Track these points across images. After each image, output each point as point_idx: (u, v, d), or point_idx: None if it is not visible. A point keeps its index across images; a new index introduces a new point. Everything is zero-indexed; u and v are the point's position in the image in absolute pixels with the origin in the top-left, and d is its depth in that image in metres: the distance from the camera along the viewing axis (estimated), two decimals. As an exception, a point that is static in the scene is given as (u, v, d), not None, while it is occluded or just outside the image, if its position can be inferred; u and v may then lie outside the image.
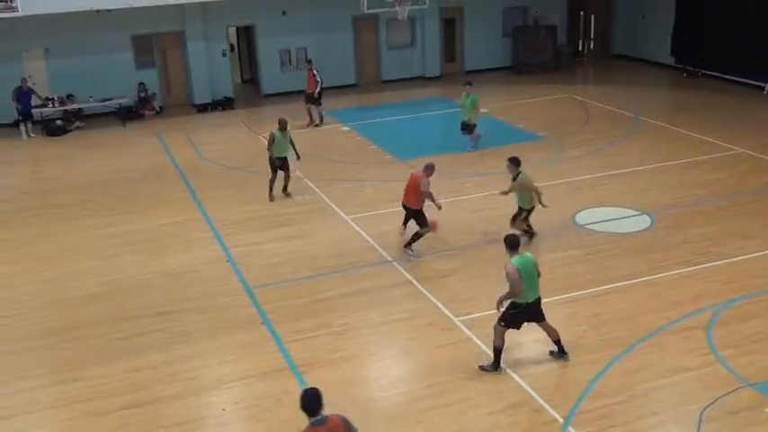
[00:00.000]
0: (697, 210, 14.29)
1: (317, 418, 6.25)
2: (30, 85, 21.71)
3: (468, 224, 14.03)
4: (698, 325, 10.36)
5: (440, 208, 12.70)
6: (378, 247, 13.23)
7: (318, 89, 21.17)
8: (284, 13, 24.53)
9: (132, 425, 8.85)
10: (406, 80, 26.01)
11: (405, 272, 12.27)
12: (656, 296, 11.20)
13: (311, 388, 6.42)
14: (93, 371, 9.91)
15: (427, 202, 12.73)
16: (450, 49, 27.07)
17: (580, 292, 11.40)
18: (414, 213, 12.89)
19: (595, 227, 13.71)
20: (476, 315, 10.79)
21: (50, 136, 21.71)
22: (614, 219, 14.07)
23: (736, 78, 23.35)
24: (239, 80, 27.36)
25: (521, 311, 9.33)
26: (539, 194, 12.77)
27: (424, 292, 11.62)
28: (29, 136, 21.55)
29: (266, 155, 15.75)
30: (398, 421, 8.77)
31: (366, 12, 23.70)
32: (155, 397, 9.34)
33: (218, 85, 24.39)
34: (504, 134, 19.84)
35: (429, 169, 12.79)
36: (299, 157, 15.95)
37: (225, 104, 24.09)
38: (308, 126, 21.05)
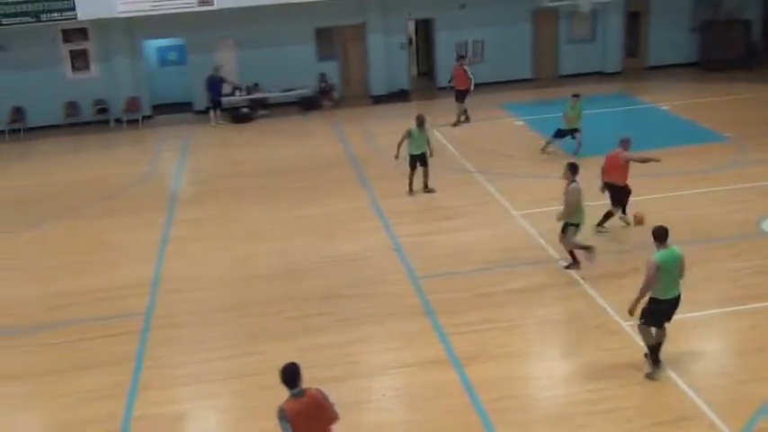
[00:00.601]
0: None
1: (297, 390, 6.69)
2: (221, 74, 23.05)
3: (646, 224, 13.52)
4: None
5: (658, 161, 13.57)
6: (545, 245, 13.04)
7: (471, 86, 20.86)
8: (463, 6, 24.58)
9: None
10: (585, 75, 25.33)
11: (572, 271, 12.01)
12: None
13: (291, 363, 6.77)
14: (266, 347, 10.44)
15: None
16: (633, 43, 26.09)
17: (760, 304, 10.73)
18: (617, 189, 13.21)
19: (785, 235, 12.84)
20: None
21: (236, 123, 22.98)
22: (805, 229, 13.11)
23: None
24: (416, 73, 27.72)
25: (661, 308, 9.03)
26: (569, 213, 11.76)
27: (592, 293, 11.34)
28: (217, 123, 22.91)
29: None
30: (561, 423, 8.62)
31: (547, 4, 23.30)
32: (320, 377, 9.69)
33: (394, 78, 24.85)
34: (687, 133, 18.96)
35: (625, 143, 13.29)
36: (432, 155, 15.90)
37: (401, 96, 24.50)
38: (454, 125, 20.76)
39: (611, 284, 11.50)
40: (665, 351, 9.41)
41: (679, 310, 9.42)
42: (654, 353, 9.26)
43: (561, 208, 11.92)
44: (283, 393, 6.71)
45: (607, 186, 13.40)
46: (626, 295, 11.05)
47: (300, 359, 9.09)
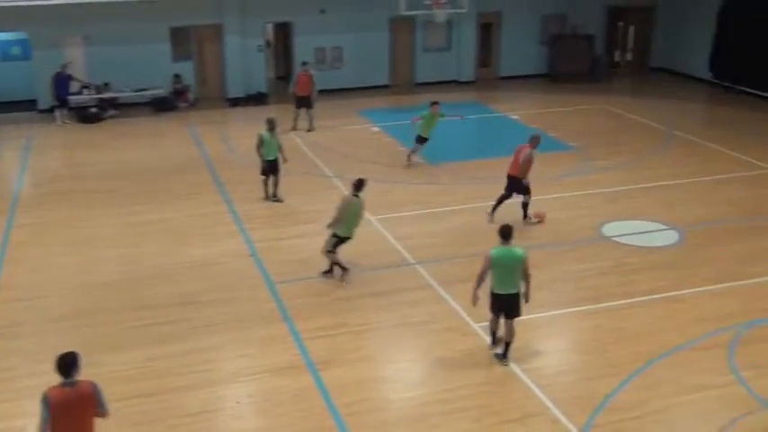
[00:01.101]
0: (727, 227, 14.10)
1: (69, 380, 6.71)
2: (69, 71, 21.99)
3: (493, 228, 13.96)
4: (719, 344, 10.22)
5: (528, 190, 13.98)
6: (401, 249, 13.22)
7: (313, 93, 20.67)
8: (323, 11, 24.59)
9: (144, 413, 8.91)
10: (440, 83, 25.96)
11: (426, 275, 12.24)
12: (679, 313, 11.08)
13: (69, 352, 6.79)
14: (110, 357, 9.99)
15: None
16: (486, 54, 26.98)
17: (603, 305, 11.31)
18: (516, 183, 13.99)
19: (623, 239, 13.58)
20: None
21: (84, 123, 21.96)
22: (642, 232, 13.93)
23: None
24: (274, 76, 27.49)
25: (496, 301, 9.59)
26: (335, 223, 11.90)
27: (445, 296, 11.59)
28: (63, 122, 21.82)
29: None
30: (415, 424, 8.74)
31: (404, 13, 23.69)
32: (170, 387, 9.40)
33: (252, 80, 24.54)
34: (536, 142, 19.69)
35: (534, 140, 14.00)
36: (285, 160, 15.75)
37: (258, 99, 24.21)
38: (291, 130, 20.40)
39: (463, 288, 11.76)
40: (514, 349, 9.77)
41: (527, 310, 9.84)
42: (506, 348, 9.72)
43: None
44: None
45: (508, 177, 14.10)
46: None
47: (149, 369, 8.76)
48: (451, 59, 26.41)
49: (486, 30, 26.72)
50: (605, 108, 23.20)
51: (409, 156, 17.66)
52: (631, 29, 28.11)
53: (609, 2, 27.21)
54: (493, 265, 9.38)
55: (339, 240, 11.95)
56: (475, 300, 9.57)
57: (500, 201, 14.13)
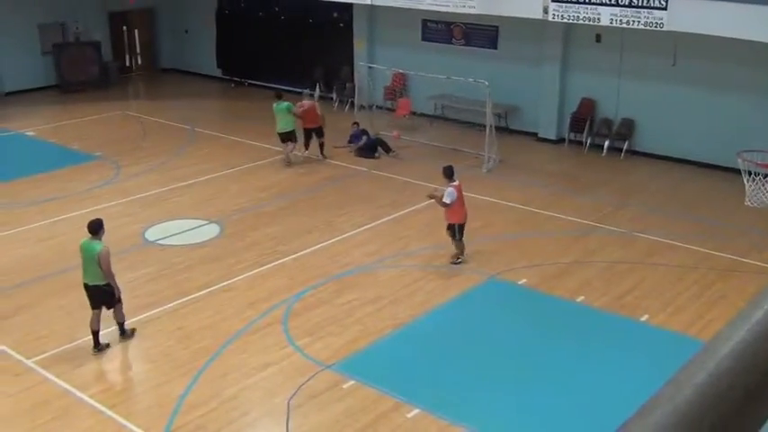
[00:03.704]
0: (261, 212, 15.05)
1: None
2: None
3: (34, 256, 13.01)
4: (274, 321, 10.94)
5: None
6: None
7: None
8: None
9: None
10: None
11: (-40, 320, 10.93)
12: (234, 300, 11.57)
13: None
14: None
15: None
16: (-16, 69, 24.69)
17: (160, 308, 11.29)
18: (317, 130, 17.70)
19: (166, 241, 13.68)
20: (52, 352, 10.07)
21: None
22: (184, 231, 14.18)
23: (279, 86, 24.93)
24: None
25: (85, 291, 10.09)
26: None
27: (-13, 338, 10.49)
28: None
29: None
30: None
31: None
32: None
33: None
34: (57, 156, 18.71)
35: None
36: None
37: None
38: None
39: (6, 325, 10.80)
40: (77, 376, 9.27)
41: (80, 332, 9.52)
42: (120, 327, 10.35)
43: None
44: None
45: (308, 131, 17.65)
46: (25, 333, 10.57)
47: None
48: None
49: (-20, 43, 24.44)
50: (124, 113, 22.95)
51: None
52: (136, 32, 28.15)
53: (109, 7, 26.81)
54: (80, 252, 9.98)
55: None
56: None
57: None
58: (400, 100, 21.77)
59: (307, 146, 18.21)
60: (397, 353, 10.27)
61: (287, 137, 17.68)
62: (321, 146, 18.13)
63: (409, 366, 9.94)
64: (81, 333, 10.46)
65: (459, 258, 12.67)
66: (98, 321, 10.04)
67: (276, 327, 10.78)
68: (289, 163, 17.73)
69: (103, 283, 9.88)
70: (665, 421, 1.09)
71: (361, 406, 9.00)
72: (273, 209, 15.25)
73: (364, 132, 18.68)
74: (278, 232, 14.07)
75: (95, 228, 10.04)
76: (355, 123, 18.88)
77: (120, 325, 10.33)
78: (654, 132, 18.33)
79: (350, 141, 18.72)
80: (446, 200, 12.24)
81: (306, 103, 18.03)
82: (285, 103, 17.71)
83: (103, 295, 9.95)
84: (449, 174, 12.55)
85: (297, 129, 17.81)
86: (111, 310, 10.17)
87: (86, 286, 9.99)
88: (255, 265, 12.74)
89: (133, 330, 10.48)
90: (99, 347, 10.07)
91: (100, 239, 10.00)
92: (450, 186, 12.38)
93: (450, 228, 12.61)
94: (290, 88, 23.53)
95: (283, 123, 17.65)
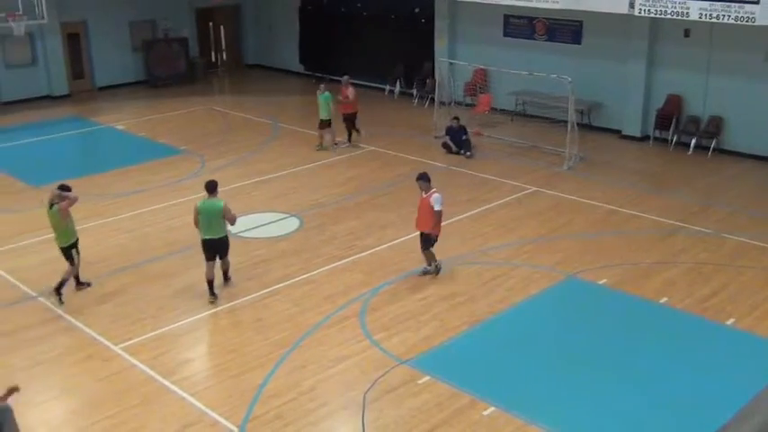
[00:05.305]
0: (339, 207, 15.20)
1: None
2: None
3: (121, 246, 13.46)
4: (352, 314, 11.05)
5: None
6: (18, 283, 12.13)
7: None
8: None
9: None
10: (31, 100, 24.12)
11: (53, 306, 11.39)
12: (312, 293, 11.72)
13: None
14: None
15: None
16: (78, 65, 25.63)
17: (241, 300, 11.53)
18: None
19: (248, 234, 13.93)
20: (137, 339, 10.41)
21: None
22: (265, 224, 14.43)
23: (363, 83, 25.09)
24: None
25: (203, 245, 11.37)
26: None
27: (79, 324, 10.90)
28: None
29: None
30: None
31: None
32: None
33: None
34: (145, 150, 19.29)
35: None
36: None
37: None
38: None
39: (97, 312, 11.22)
40: (160, 363, 9.57)
41: (164, 321, 9.73)
42: (210, 286, 11.43)
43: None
44: None
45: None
46: (113, 320, 10.95)
47: None
48: (40, 74, 24.64)
49: (74, 40, 25.39)
50: (209, 108, 23.49)
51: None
52: (222, 29, 28.75)
53: (196, 4, 27.47)
54: (200, 213, 11.14)
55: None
56: None
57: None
58: (481, 96, 21.59)
59: (350, 136, 19.21)
60: (474, 350, 10.23)
61: (327, 124, 18.78)
62: (358, 132, 19.26)
63: (486, 364, 9.90)
64: (164, 322, 10.81)
65: (432, 264, 12.18)
66: (212, 271, 11.33)
67: (353, 320, 10.87)
68: (322, 148, 18.90)
69: (225, 234, 11.31)
70: (766, 429, 1.07)
71: (436, 402, 9.01)
72: (351, 203, 15.38)
73: (462, 129, 18.48)
74: (355, 227, 14.18)
75: (213, 186, 11.33)
76: (455, 118, 18.74)
77: (225, 272, 11.77)
78: (743, 130, 17.73)
79: (446, 134, 18.61)
80: (436, 207, 11.68)
81: (351, 90, 18.99)
82: (326, 93, 18.73)
83: (225, 246, 11.42)
84: (428, 179, 11.92)
85: (334, 117, 18.74)
86: (220, 261, 11.50)
87: (209, 241, 11.24)
88: (333, 258, 12.87)
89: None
90: (215, 295, 11.36)
91: (217, 196, 11.28)
92: (437, 192, 11.80)
93: (428, 240, 11.98)
94: (371, 83, 23.71)
95: (325, 111, 18.70)
